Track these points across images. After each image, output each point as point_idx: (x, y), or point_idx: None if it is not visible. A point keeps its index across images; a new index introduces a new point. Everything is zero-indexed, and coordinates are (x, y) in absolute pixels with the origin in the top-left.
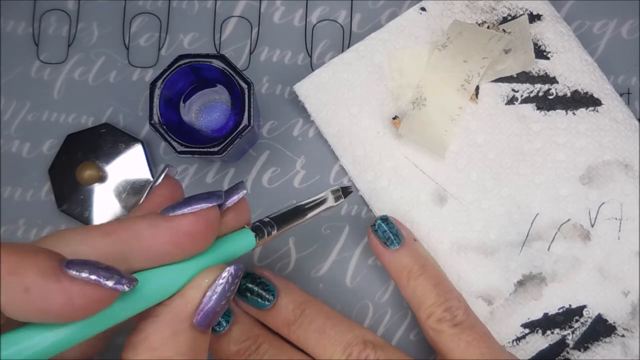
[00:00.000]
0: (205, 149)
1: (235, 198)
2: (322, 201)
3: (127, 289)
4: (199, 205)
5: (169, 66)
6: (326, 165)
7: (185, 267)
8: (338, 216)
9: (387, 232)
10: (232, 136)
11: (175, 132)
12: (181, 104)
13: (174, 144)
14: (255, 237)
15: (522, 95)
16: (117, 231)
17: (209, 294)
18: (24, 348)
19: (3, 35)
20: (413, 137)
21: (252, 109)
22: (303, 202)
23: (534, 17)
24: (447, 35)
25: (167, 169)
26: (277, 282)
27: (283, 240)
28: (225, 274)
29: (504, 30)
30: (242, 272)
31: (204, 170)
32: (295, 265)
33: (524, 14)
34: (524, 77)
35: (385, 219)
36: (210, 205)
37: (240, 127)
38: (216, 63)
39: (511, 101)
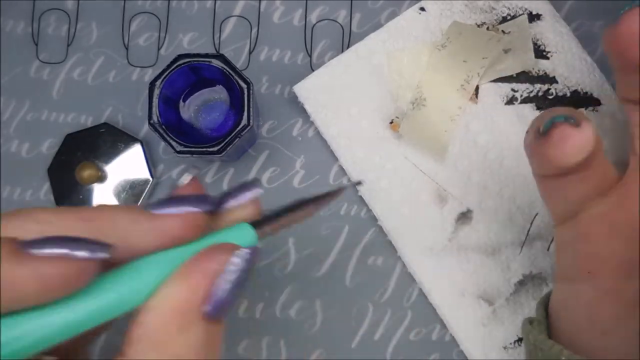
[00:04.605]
0: (205, 149)
1: (245, 196)
2: (331, 194)
3: (102, 255)
4: (186, 208)
5: (168, 66)
6: (326, 165)
7: (179, 253)
8: (338, 216)
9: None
10: (231, 136)
11: (175, 132)
12: (180, 103)
13: (173, 143)
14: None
15: (521, 95)
16: (95, 219)
17: (219, 280)
18: (23, 333)
19: (2, 34)
20: (413, 137)
21: (251, 109)
22: (309, 196)
23: (533, 17)
24: (447, 36)
25: (192, 169)
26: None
27: (282, 241)
28: (236, 259)
29: (502, 31)
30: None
31: (203, 170)
32: (294, 265)
33: (523, 14)
34: (524, 77)
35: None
36: (198, 210)
37: (240, 126)
38: (215, 63)
39: (511, 101)
